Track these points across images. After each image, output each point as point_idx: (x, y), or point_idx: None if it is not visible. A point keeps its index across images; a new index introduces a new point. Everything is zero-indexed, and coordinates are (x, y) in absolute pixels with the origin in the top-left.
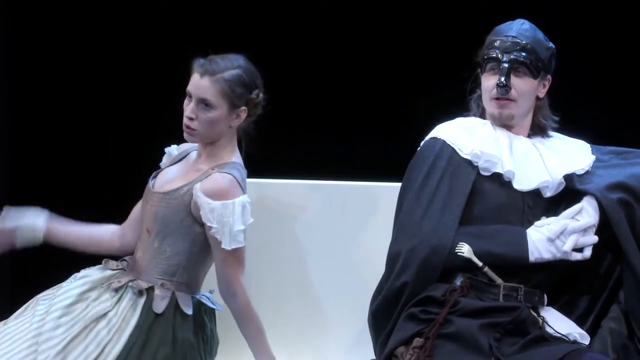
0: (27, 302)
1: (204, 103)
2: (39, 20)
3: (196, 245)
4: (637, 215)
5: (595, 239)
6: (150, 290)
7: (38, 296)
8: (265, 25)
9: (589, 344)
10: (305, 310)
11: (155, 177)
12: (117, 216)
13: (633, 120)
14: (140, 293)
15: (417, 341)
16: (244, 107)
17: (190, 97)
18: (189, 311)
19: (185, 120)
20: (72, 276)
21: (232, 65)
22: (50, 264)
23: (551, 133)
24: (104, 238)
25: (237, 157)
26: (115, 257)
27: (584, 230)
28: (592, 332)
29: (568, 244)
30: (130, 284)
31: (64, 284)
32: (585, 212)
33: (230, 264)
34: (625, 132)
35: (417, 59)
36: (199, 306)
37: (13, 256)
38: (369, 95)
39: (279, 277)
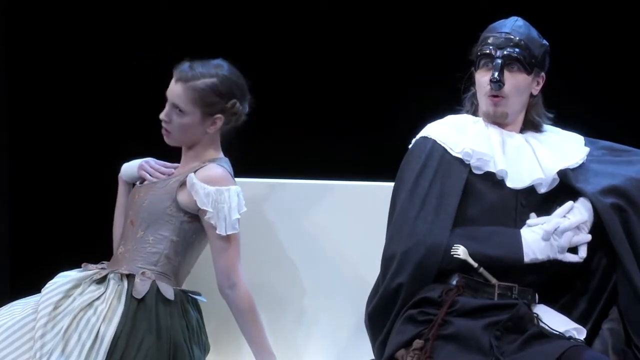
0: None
1: (176, 108)
2: (37, 21)
3: (179, 234)
4: (631, 219)
5: (588, 237)
6: (130, 277)
7: (12, 303)
8: (263, 26)
9: (590, 345)
10: (304, 310)
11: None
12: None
13: (632, 120)
14: (120, 278)
15: (417, 343)
16: (219, 115)
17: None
18: (171, 296)
19: (162, 123)
20: (52, 280)
21: (209, 73)
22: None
23: (545, 127)
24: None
25: (222, 156)
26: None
27: (577, 228)
28: (592, 334)
29: (563, 240)
30: (110, 275)
31: (47, 285)
32: (577, 210)
33: (228, 252)
34: (624, 132)
35: (409, 58)
36: (180, 295)
37: (12, 256)
38: (362, 94)
39: (277, 277)
